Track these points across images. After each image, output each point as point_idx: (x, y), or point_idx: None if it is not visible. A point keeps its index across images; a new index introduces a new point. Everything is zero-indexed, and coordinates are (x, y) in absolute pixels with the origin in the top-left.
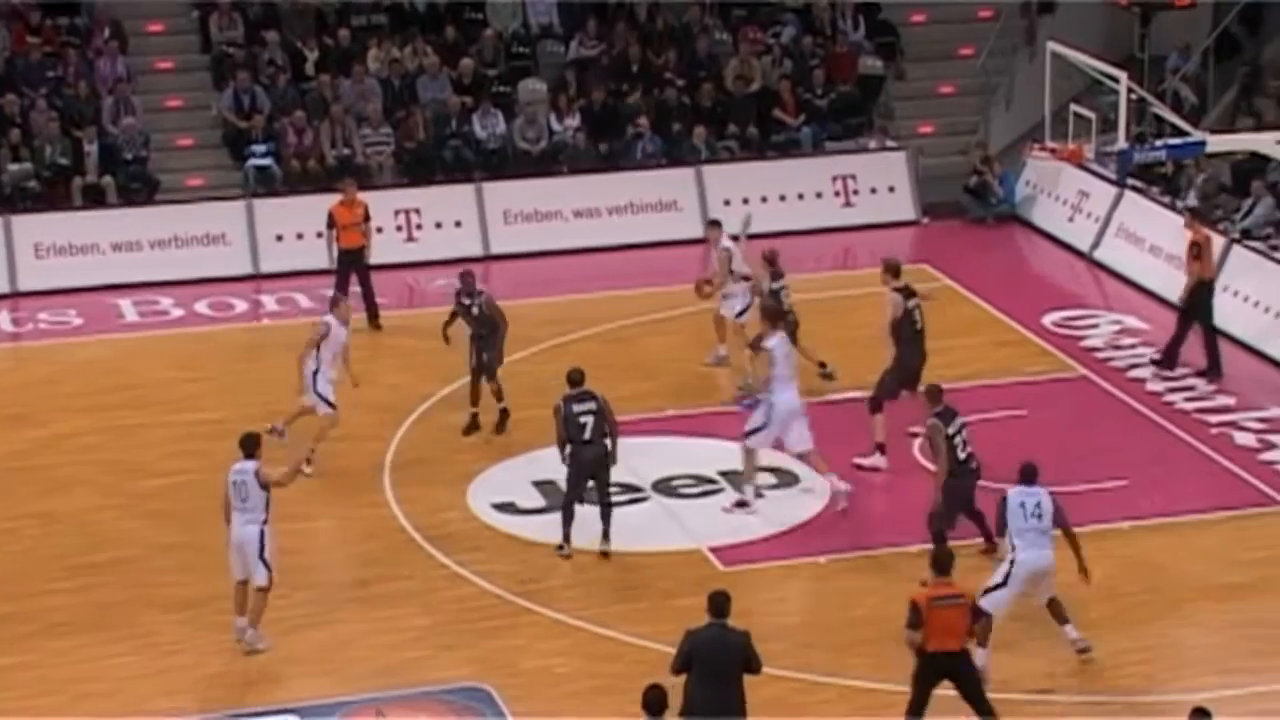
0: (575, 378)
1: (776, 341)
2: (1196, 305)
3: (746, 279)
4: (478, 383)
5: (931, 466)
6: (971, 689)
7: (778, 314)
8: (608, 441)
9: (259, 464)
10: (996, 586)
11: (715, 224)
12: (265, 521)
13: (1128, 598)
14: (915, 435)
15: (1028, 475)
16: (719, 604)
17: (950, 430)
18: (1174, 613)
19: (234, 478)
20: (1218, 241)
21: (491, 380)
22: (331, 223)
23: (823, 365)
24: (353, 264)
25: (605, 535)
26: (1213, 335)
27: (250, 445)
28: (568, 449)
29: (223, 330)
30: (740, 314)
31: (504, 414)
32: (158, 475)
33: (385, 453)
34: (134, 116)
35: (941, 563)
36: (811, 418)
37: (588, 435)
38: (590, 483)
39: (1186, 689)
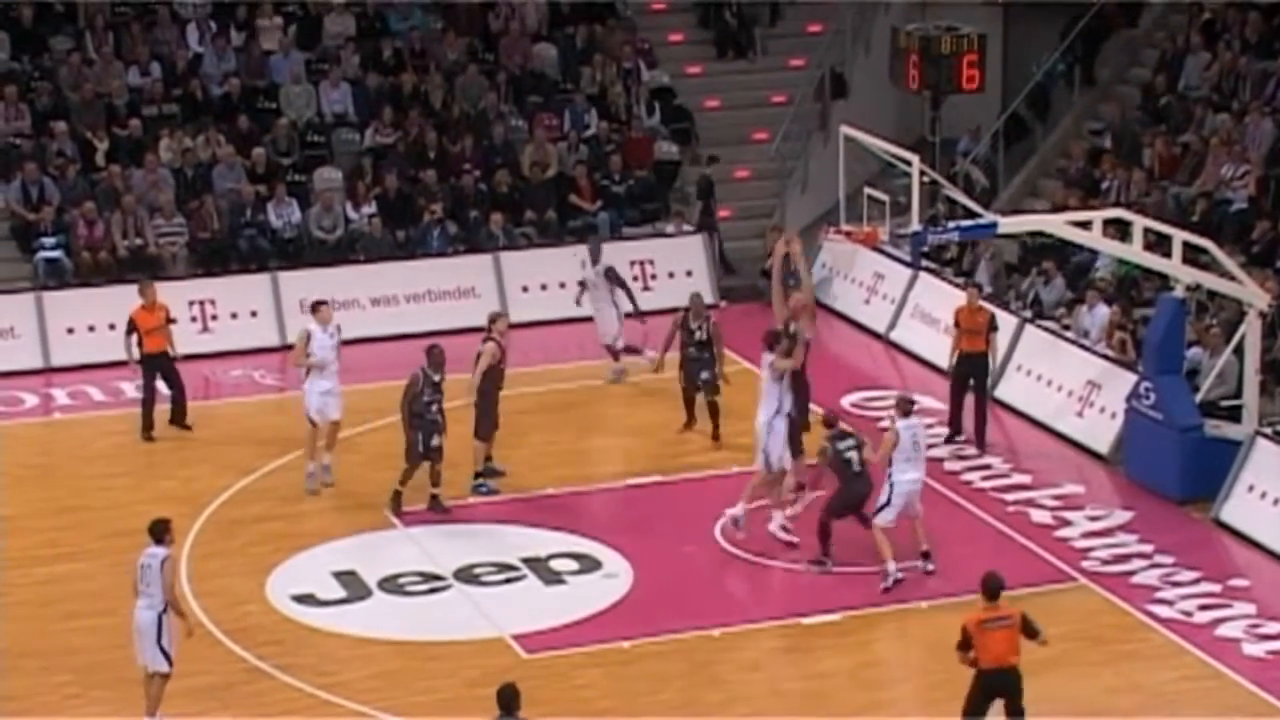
0: (830, 420)
1: (904, 425)
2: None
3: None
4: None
5: None
6: (1016, 705)
7: (907, 403)
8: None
9: (169, 552)
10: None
11: (321, 304)
12: (165, 609)
13: (928, 677)
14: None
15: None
16: (507, 699)
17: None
18: None
19: (143, 560)
20: (1011, 321)
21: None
22: (132, 328)
23: (488, 459)
24: (159, 368)
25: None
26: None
27: (159, 531)
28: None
29: (13, 425)
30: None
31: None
32: None
33: (183, 546)
34: None
35: (990, 588)
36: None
37: (856, 468)
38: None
39: None
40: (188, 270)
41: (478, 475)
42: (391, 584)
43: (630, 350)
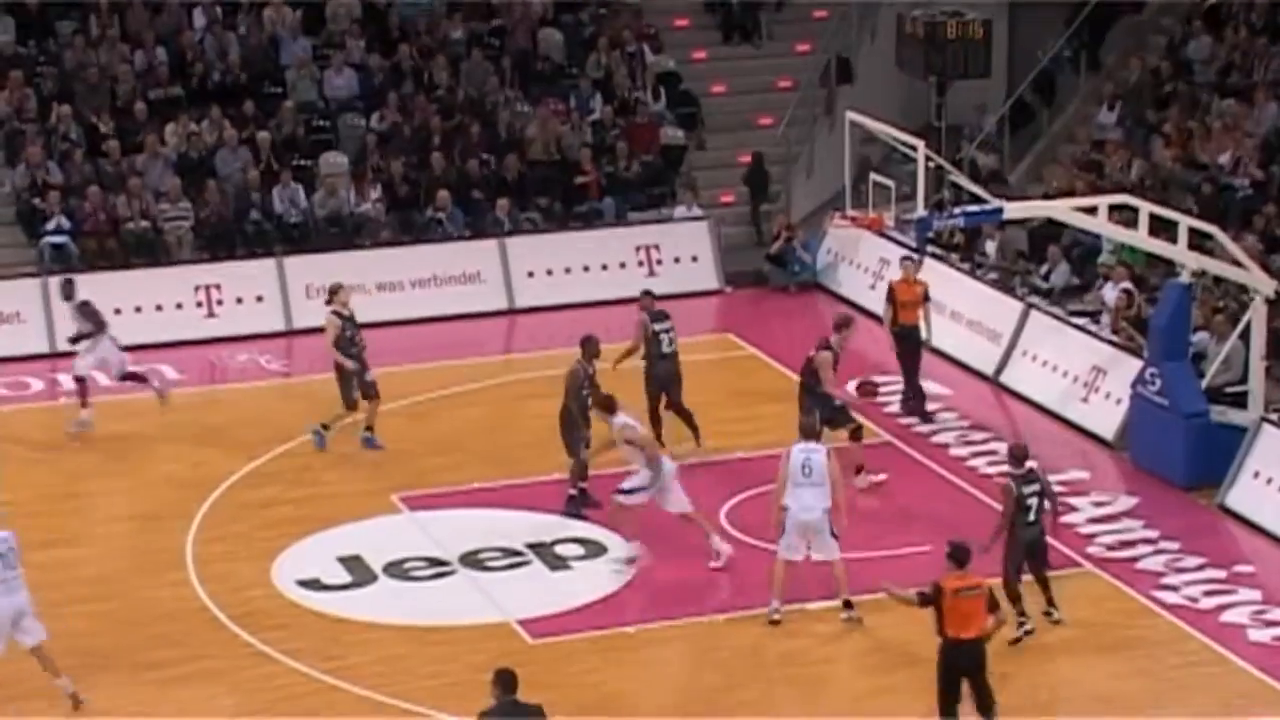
0: (1019, 454)
1: (798, 448)
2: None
3: None
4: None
5: None
6: (980, 678)
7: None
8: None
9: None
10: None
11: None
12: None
13: (930, 664)
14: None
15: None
16: (506, 681)
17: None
18: None
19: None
20: (1016, 306)
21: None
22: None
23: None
24: None
25: (1050, 601)
26: None
27: None
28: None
29: (18, 410)
30: None
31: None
32: None
33: (188, 530)
34: None
35: (959, 557)
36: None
37: (1031, 516)
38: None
39: None
40: (193, 255)
41: (323, 425)
42: (397, 569)
43: (136, 378)
